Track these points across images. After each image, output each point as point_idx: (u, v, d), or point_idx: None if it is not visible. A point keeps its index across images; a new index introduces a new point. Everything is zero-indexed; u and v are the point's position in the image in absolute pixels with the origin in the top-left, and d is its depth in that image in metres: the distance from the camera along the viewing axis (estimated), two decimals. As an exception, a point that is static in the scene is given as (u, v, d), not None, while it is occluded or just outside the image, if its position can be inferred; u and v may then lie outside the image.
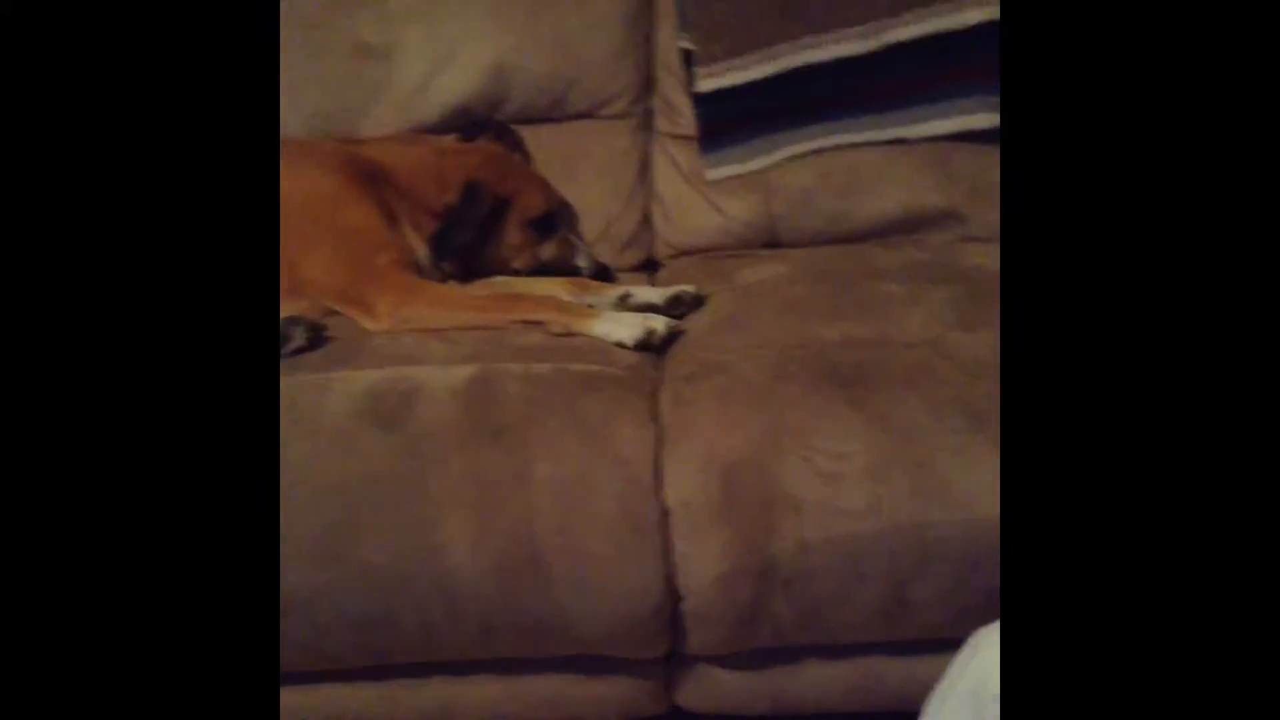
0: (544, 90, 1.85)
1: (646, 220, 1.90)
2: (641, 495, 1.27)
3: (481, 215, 1.68)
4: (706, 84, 1.81)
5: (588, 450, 1.28)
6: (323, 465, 1.28)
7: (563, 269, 1.74)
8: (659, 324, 1.49)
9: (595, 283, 1.69)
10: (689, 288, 1.61)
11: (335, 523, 1.26)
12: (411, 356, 1.45)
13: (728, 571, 1.26)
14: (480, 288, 1.69)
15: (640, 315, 1.51)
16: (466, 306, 1.58)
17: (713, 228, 1.86)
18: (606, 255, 1.84)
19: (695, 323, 1.55)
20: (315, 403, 1.34)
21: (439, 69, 1.82)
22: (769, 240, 1.85)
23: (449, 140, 1.82)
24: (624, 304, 1.61)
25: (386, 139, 1.81)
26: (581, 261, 1.75)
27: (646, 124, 1.91)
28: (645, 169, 1.90)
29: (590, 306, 1.60)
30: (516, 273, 1.74)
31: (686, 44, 1.83)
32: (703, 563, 1.27)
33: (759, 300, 1.56)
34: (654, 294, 1.61)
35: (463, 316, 1.56)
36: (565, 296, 1.64)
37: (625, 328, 1.49)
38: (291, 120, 1.83)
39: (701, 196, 1.86)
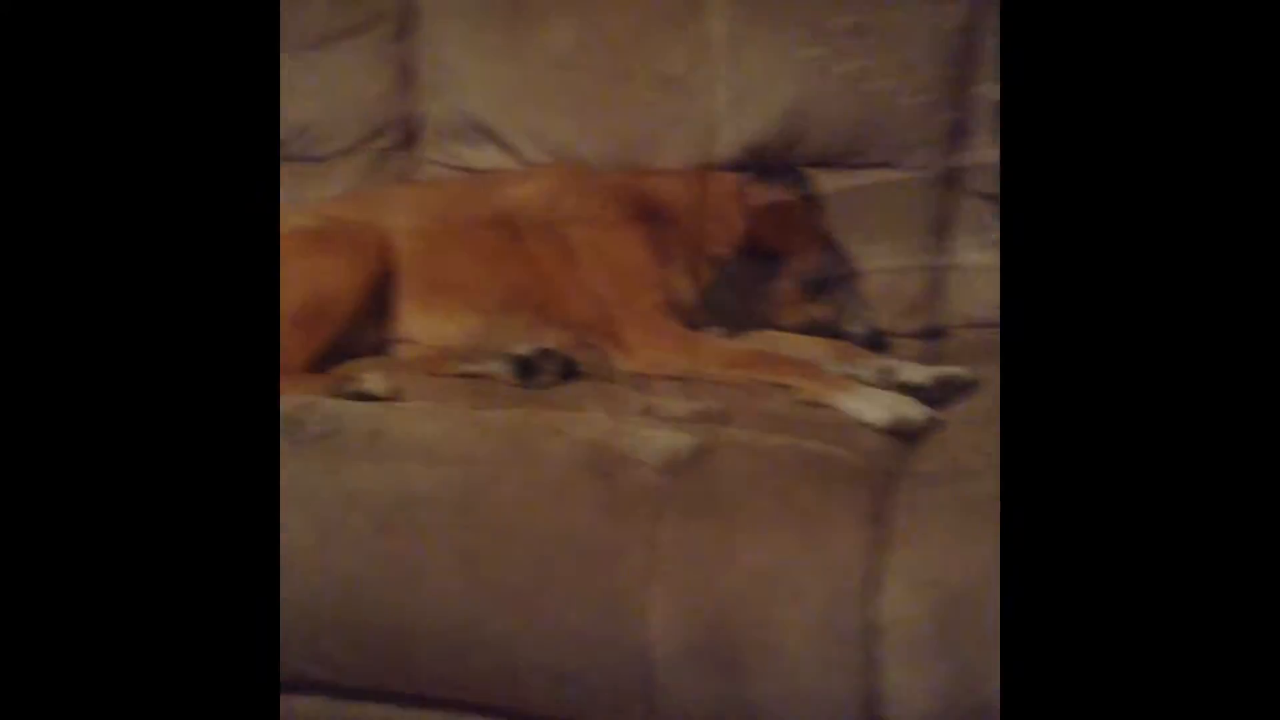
0: (842, 135, 1.75)
1: (937, 285, 1.75)
2: (847, 603, 1.15)
3: (753, 275, 1.60)
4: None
5: (797, 543, 1.17)
6: (533, 513, 1.25)
7: (834, 330, 1.63)
8: (915, 411, 1.35)
9: (859, 350, 1.56)
10: (962, 371, 1.45)
11: (531, 575, 1.23)
12: (647, 407, 1.40)
13: (939, 710, 1.12)
14: (740, 341, 1.61)
15: (896, 397, 1.37)
16: (718, 360, 1.52)
17: (1011, 302, 1.67)
18: (886, 318, 1.71)
19: (959, 412, 1.39)
20: (539, 446, 1.32)
21: (737, 106, 1.77)
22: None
23: (737, 181, 1.76)
24: (886, 379, 1.47)
25: (675, 174, 1.77)
26: (854, 326, 1.63)
27: (954, 180, 1.75)
28: (944, 229, 1.75)
29: (850, 376, 1.48)
30: (784, 329, 1.65)
31: (1004, 97, 1.65)
32: (913, 694, 1.13)
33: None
34: (921, 373, 1.45)
35: (713, 370, 1.51)
36: (826, 361, 1.53)
37: (876, 408, 1.36)
38: (588, 144, 1.85)
39: (1004, 266, 1.68)
